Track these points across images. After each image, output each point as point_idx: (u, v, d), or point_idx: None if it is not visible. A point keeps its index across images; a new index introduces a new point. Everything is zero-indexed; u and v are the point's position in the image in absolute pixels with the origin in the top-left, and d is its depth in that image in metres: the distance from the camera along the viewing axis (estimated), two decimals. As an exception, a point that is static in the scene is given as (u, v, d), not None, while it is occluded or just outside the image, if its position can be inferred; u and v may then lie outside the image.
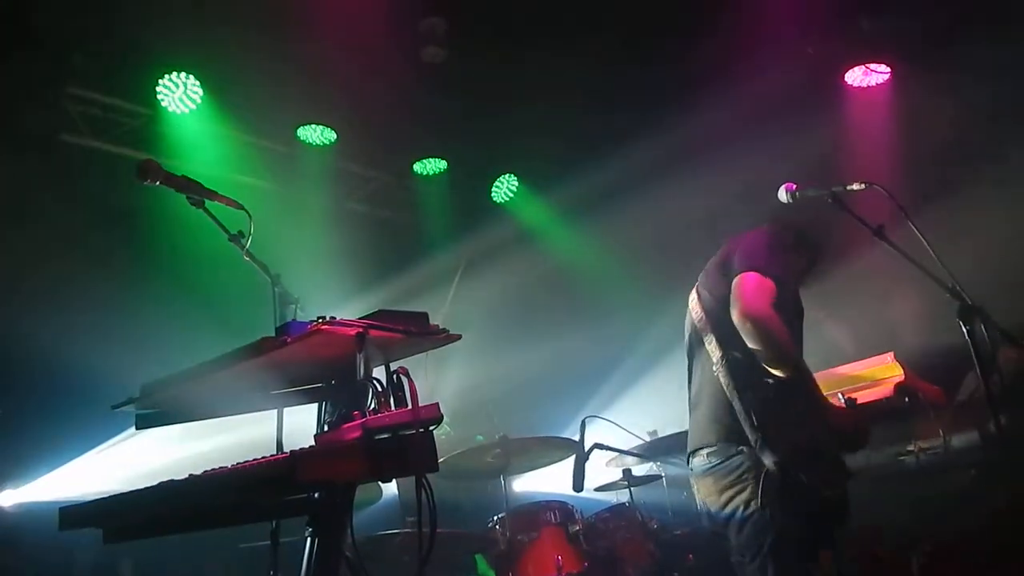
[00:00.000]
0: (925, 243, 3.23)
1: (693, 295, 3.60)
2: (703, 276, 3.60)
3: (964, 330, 3.12)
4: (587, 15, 5.96)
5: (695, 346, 3.54)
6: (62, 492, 5.56)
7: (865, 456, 4.29)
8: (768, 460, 3.05)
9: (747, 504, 3.14)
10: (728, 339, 3.27)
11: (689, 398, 3.59)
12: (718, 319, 3.36)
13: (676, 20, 6.00)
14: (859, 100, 6.80)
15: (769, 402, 3.12)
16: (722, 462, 3.25)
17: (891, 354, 4.76)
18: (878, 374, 4.70)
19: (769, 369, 3.14)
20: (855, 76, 6.81)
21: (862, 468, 3.65)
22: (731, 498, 3.20)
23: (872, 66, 6.70)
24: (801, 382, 3.18)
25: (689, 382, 3.67)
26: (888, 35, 6.33)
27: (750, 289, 3.20)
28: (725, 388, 3.23)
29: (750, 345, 3.15)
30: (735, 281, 3.26)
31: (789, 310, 3.33)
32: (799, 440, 3.10)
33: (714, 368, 3.31)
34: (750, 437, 3.10)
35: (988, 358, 3.14)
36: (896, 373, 4.67)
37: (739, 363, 3.22)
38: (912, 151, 6.20)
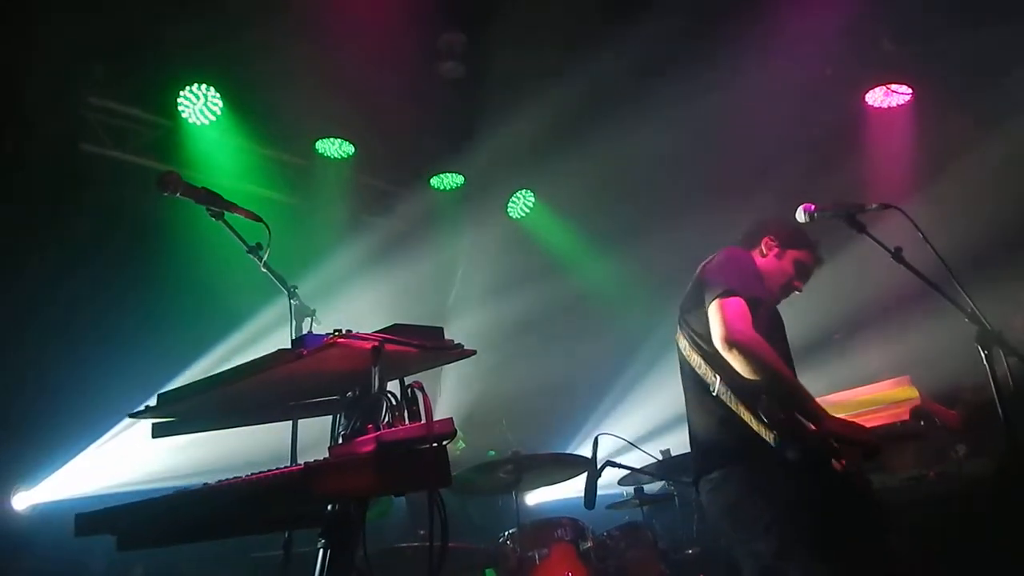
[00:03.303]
0: (945, 266, 3.20)
1: (679, 335, 3.58)
2: (683, 310, 3.56)
3: (983, 355, 3.10)
4: (604, 36, 5.98)
5: (688, 379, 3.53)
6: (74, 490, 5.59)
7: (879, 481, 4.24)
8: (791, 454, 3.04)
9: (762, 512, 3.13)
10: (723, 365, 3.25)
11: (689, 430, 3.59)
12: (705, 351, 3.36)
13: (694, 42, 6.00)
14: (880, 121, 6.77)
15: (775, 409, 3.12)
16: (726, 478, 3.26)
17: (908, 377, 4.72)
18: (894, 397, 4.67)
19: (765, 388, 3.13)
20: (876, 97, 6.78)
21: (877, 491, 3.60)
22: (745, 510, 3.19)
23: (893, 87, 6.67)
24: (800, 399, 3.15)
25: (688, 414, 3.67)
26: (911, 57, 6.30)
27: (728, 315, 3.18)
28: (728, 403, 3.22)
29: (740, 372, 3.15)
30: (711, 309, 3.25)
31: (765, 327, 3.30)
32: (808, 431, 3.11)
33: (712, 390, 3.29)
34: (767, 438, 3.09)
35: (1006, 383, 3.11)
36: (912, 396, 4.64)
37: (737, 380, 3.21)
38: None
